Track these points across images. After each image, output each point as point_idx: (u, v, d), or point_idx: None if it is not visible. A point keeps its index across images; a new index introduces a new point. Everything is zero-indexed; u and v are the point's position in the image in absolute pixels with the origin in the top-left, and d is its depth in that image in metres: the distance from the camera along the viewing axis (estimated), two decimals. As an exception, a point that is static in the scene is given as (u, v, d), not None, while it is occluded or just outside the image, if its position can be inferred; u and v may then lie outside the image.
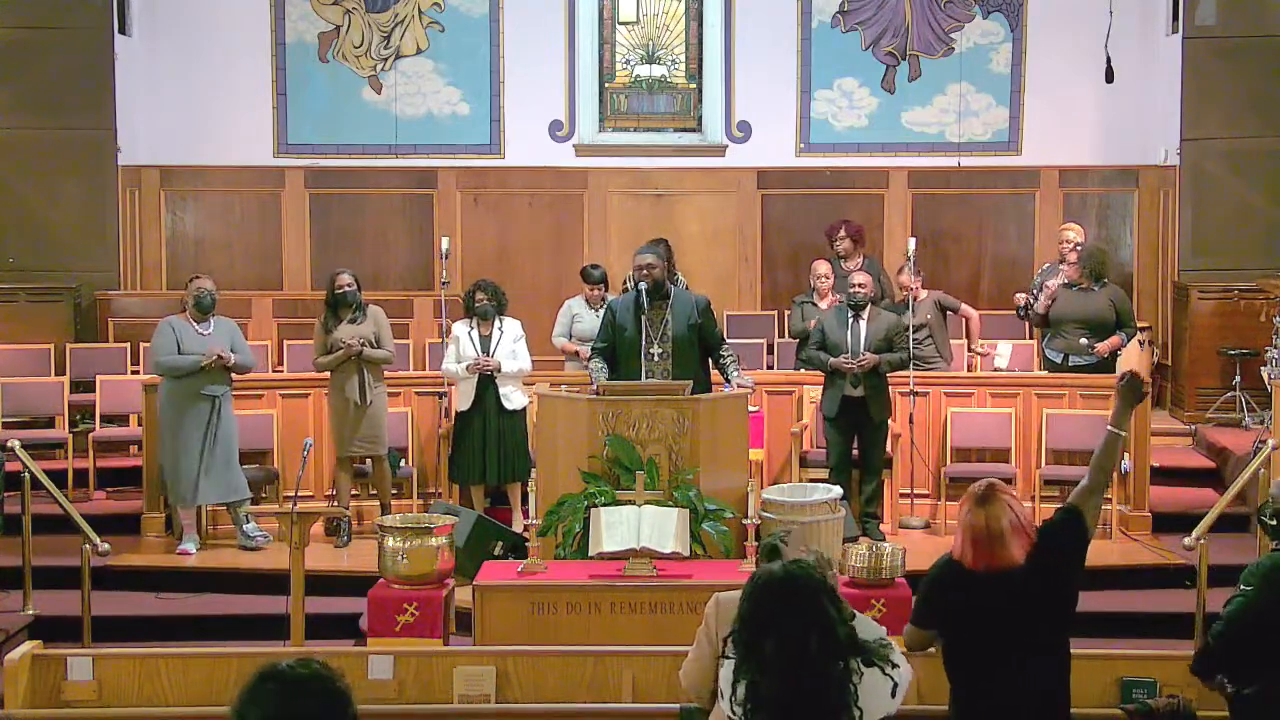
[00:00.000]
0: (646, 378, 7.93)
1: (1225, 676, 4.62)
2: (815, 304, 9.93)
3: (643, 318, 8.05)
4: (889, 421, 9.10)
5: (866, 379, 8.77)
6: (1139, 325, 11.45)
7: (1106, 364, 9.56)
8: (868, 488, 8.87)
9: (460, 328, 9.13)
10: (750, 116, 12.64)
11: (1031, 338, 11.27)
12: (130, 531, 9.05)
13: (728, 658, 3.83)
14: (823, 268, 10.15)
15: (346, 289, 9.01)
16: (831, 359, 8.81)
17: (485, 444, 8.90)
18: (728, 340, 10.96)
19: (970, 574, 4.38)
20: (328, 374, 9.02)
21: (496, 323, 9.08)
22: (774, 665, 3.66)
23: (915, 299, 9.69)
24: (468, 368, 8.92)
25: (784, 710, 3.66)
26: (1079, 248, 9.96)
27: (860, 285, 8.96)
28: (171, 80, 12.43)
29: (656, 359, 8.01)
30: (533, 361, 9.28)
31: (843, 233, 10.61)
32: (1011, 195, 12.62)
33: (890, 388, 9.07)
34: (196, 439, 8.59)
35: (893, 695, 3.82)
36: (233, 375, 8.82)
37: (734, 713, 3.72)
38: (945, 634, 4.50)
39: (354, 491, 9.20)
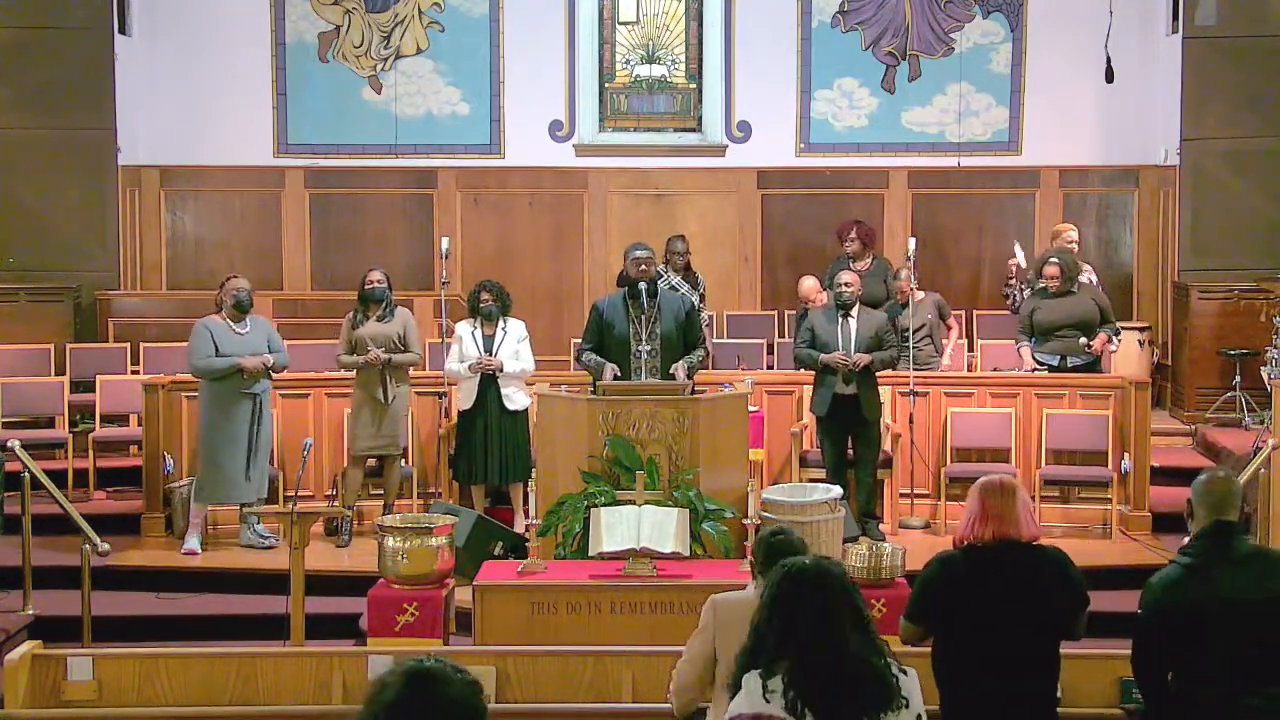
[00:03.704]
0: (635, 375, 7.93)
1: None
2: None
3: (630, 316, 8.06)
4: (882, 420, 9.11)
5: (858, 377, 8.77)
6: (1140, 325, 11.49)
7: (1096, 363, 9.61)
8: (864, 487, 8.86)
9: (464, 327, 9.15)
10: (750, 116, 12.64)
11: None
12: (130, 531, 9.04)
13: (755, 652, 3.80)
14: (809, 283, 10.15)
15: (376, 285, 9.07)
16: (823, 355, 8.80)
17: (487, 444, 8.90)
18: (729, 340, 11.00)
19: (973, 564, 4.46)
20: (338, 373, 9.07)
21: (500, 323, 9.09)
22: (813, 652, 3.67)
23: (914, 300, 9.69)
24: (470, 367, 8.93)
25: (830, 698, 3.65)
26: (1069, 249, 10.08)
27: (847, 285, 8.96)
28: (171, 80, 12.43)
29: (646, 356, 8.01)
30: (536, 362, 9.30)
31: (853, 234, 10.62)
32: (1011, 195, 12.62)
33: (880, 386, 9.07)
34: (243, 437, 8.62)
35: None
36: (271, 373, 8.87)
37: (767, 700, 3.68)
38: (940, 631, 4.53)
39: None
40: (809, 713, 3.63)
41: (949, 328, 10.44)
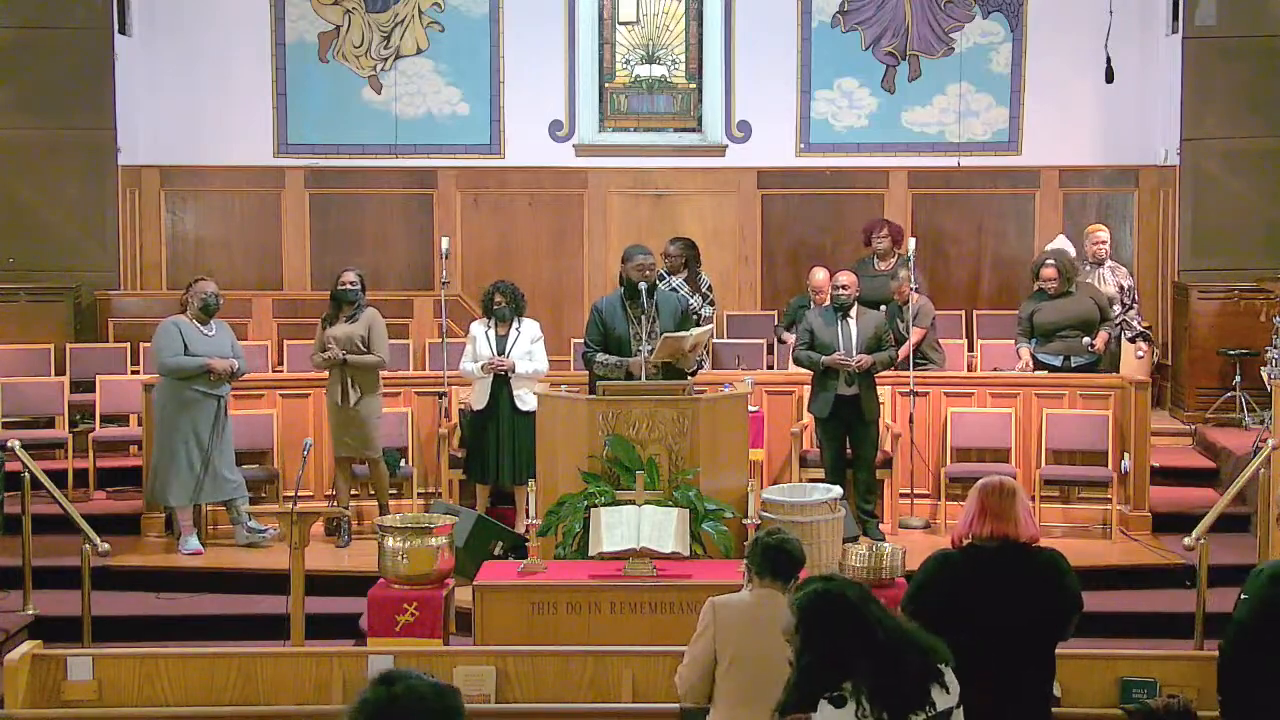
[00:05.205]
0: (637, 374, 7.94)
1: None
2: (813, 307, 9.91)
3: (629, 316, 8.07)
4: (882, 420, 9.12)
5: (859, 378, 8.78)
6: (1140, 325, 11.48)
7: (1098, 362, 9.65)
8: (863, 487, 8.86)
9: (478, 327, 9.16)
10: (750, 116, 12.63)
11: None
12: (130, 531, 9.05)
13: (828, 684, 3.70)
14: (820, 275, 10.12)
15: (347, 287, 9.04)
16: (825, 358, 8.80)
17: (499, 444, 8.91)
18: (729, 340, 10.98)
19: (972, 563, 4.48)
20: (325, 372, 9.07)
21: (514, 323, 9.09)
22: (873, 654, 3.66)
23: (913, 301, 9.69)
24: (483, 367, 8.94)
25: (899, 691, 3.65)
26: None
27: (844, 287, 8.97)
28: (171, 80, 12.42)
29: (647, 355, 8.02)
30: (550, 363, 9.30)
31: (885, 232, 10.66)
32: (1011, 195, 12.62)
33: (879, 386, 9.07)
34: (204, 438, 8.61)
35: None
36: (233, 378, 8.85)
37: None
38: (937, 628, 4.54)
39: (354, 491, 9.21)
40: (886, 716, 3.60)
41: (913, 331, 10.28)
